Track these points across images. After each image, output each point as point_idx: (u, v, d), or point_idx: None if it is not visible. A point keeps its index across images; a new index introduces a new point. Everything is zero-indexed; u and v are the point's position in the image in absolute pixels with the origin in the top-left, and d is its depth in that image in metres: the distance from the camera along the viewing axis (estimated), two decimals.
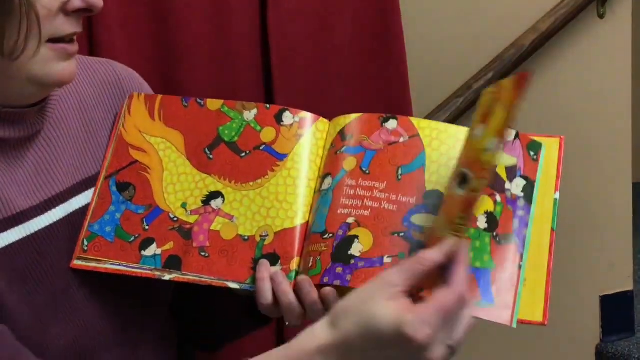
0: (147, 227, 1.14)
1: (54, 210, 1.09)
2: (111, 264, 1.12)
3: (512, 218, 1.05)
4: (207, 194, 1.14)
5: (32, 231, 1.06)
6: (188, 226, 1.13)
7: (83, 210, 1.14)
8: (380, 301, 0.88)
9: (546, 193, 1.08)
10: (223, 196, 1.14)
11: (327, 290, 1.05)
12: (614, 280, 2.60)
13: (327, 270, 1.05)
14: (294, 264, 1.09)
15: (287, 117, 1.15)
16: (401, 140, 1.10)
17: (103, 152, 1.18)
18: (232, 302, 1.21)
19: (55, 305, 1.06)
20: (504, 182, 1.06)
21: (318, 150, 1.14)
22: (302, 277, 1.07)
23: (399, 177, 1.08)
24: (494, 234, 1.03)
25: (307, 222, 1.11)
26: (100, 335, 1.11)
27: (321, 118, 1.16)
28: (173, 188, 1.15)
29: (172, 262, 1.11)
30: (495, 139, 0.90)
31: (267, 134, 1.15)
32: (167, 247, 1.12)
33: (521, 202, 1.06)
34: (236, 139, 1.16)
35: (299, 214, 1.11)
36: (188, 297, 1.26)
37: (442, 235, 0.93)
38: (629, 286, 2.62)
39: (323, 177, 1.12)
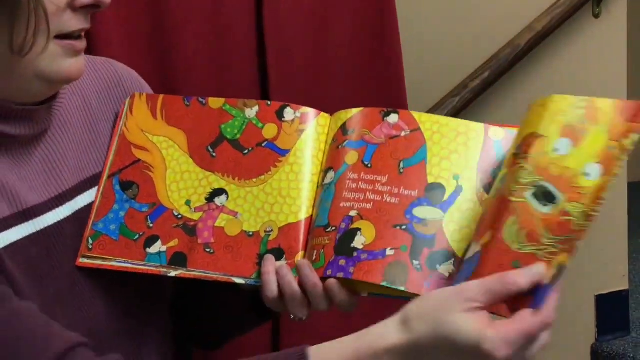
0: (151, 225, 1.14)
1: (60, 208, 1.10)
2: (116, 262, 1.13)
3: None
4: (211, 191, 1.15)
5: (41, 227, 1.07)
6: (192, 223, 1.13)
7: (88, 209, 1.15)
8: (459, 313, 0.88)
9: None
10: (227, 193, 1.14)
11: (331, 281, 1.06)
12: (609, 280, 2.61)
13: (331, 262, 1.06)
14: (299, 258, 1.09)
15: (288, 113, 1.16)
16: (402, 134, 1.11)
17: (106, 151, 1.19)
18: (236, 298, 1.22)
19: (61, 302, 1.07)
20: None
21: (320, 144, 1.15)
22: (302, 260, 1.08)
23: (401, 170, 1.08)
24: None
25: (311, 216, 1.12)
26: (105, 332, 1.11)
27: (322, 113, 1.17)
28: (177, 186, 1.16)
29: (178, 259, 1.12)
30: (595, 165, 0.89)
31: (269, 131, 1.16)
32: (171, 244, 1.13)
33: None
34: (238, 136, 1.16)
35: (302, 209, 1.12)
36: (192, 295, 1.26)
37: (516, 249, 0.91)
38: (624, 285, 2.63)
39: (325, 172, 1.13)
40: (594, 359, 2.58)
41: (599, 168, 0.90)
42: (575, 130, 0.93)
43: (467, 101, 2.38)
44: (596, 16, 2.50)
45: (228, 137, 1.17)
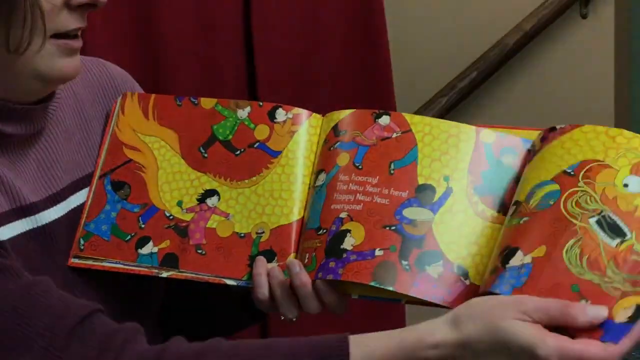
0: (143, 226, 1.14)
1: (54, 208, 1.10)
2: (108, 262, 1.13)
3: None
4: (203, 192, 1.15)
5: (38, 224, 1.07)
6: (184, 224, 1.14)
7: (81, 209, 1.15)
8: (513, 320, 0.89)
9: None
10: (218, 194, 1.14)
11: (319, 282, 1.06)
12: None
13: (321, 265, 1.06)
14: (290, 260, 1.10)
15: (280, 114, 1.16)
16: (394, 135, 1.11)
17: (98, 151, 1.19)
18: (227, 298, 1.22)
19: None
20: None
21: (312, 146, 1.15)
22: (292, 260, 1.08)
23: (392, 171, 1.09)
24: None
25: (303, 218, 1.12)
26: None
27: (314, 114, 1.17)
28: (168, 186, 1.16)
29: (169, 260, 1.12)
30: None
31: (261, 132, 1.16)
32: (163, 245, 1.13)
33: None
34: (230, 137, 1.16)
35: (294, 210, 1.12)
36: (182, 295, 1.26)
37: (577, 272, 0.91)
38: None
39: (317, 173, 1.13)
40: None
41: None
42: None
43: (456, 101, 2.39)
44: (583, 17, 2.52)
45: (220, 137, 1.17)
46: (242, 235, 1.12)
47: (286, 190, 1.13)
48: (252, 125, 1.16)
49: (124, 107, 1.21)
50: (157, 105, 1.20)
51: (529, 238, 0.97)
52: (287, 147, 1.14)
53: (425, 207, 1.06)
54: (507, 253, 0.97)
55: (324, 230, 1.08)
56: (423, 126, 1.10)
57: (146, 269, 1.13)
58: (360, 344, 0.93)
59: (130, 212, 1.15)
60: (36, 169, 1.10)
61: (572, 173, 0.98)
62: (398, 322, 1.91)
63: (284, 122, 1.16)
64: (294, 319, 1.09)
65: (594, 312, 0.89)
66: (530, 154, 1.06)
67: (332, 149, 1.13)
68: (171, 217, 1.14)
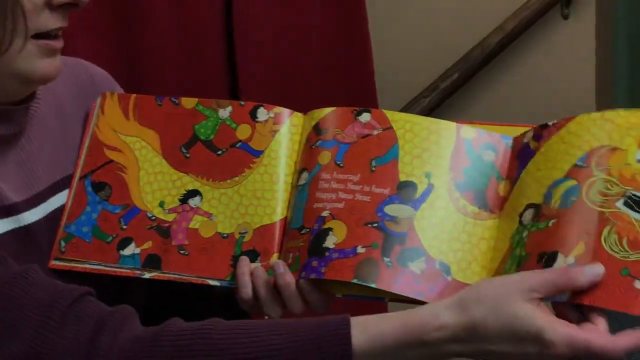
0: (124, 227, 1.13)
1: (35, 209, 1.10)
2: (90, 264, 1.12)
3: None
4: (185, 192, 1.14)
5: (20, 225, 1.06)
6: (166, 225, 1.13)
7: (61, 210, 1.14)
8: (520, 302, 0.89)
9: None
10: (201, 194, 1.14)
11: (303, 281, 1.05)
12: None
13: (304, 265, 1.06)
14: (274, 260, 1.09)
15: (262, 114, 1.16)
16: (375, 132, 1.10)
17: (78, 152, 1.18)
18: (211, 299, 1.21)
19: None
20: None
21: (294, 145, 1.15)
22: (276, 260, 1.08)
23: (373, 168, 1.08)
24: None
25: (286, 217, 1.12)
26: None
27: (296, 112, 1.16)
28: (150, 187, 1.15)
29: (151, 261, 1.12)
30: None
31: (243, 131, 1.15)
32: (145, 246, 1.12)
33: None
34: (212, 137, 1.16)
35: (277, 210, 1.12)
36: (165, 295, 1.26)
37: (622, 257, 0.92)
38: None
39: (299, 172, 1.13)
40: None
41: None
42: None
43: (438, 102, 2.39)
44: (565, 17, 2.52)
45: (202, 137, 1.16)
46: (225, 235, 1.11)
47: (269, 190, 1.12)
48: (233, 125, 1.16)
49: (103, 107, 1.20)
50: (137, 105, 1.19)
51: (564, 239, 0.97)
52: (269, 146, 1.14)
53: (406, 203, 1.05)
54: (547, 259, 0.96)
55: (307, 230, 1.08)
56: (404, 123, 1.10)
57: (128, 271, 1.12)
58: (362, 327, 0.91)
59: (111, 213, 1.14)
60: (16, 169, 1.09)
61: (584, 165, 0.99)
62: None
63: (266, 121, 1.15)
64: (278, 317, 1.09)
65: (591, 271, 0.91)
66: (515, 151, 1.07)
67: (313, 147, 1.12)
68: (153, 218, 1.14)
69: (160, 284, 1.13)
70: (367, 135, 1.10)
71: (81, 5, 1.05)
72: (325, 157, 1.11)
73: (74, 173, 1.17)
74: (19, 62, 1.01)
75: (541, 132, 1.05)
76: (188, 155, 1.16)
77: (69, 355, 0.91)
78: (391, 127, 1.10)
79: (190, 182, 1.14)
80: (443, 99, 2.41)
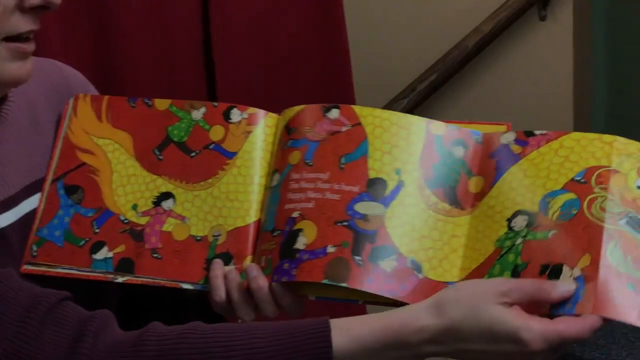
0: (97, 230, 1.12)
1: (7, 213, 1.08)
2: (62, 268, 1.11)
3: None
4: (158, 195, 1.13)
5: None
6: (139, 228, 1.12)
7: (33, 214, 1.13)
8: (495, 305, 0.91)
9: None
10: (174, 197, 1.13)
11: (275, 285, 1.04)
12: None
13: (276, 268, 1.05)
14: (248, 263, 1.08)
15: (235, 115, 1.14)
16: (343, 129, 1.09)
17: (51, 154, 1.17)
18: (185, 302, 1.20)
19: None
20: None
21: (267, 145, 1.13)
22: (250, 264, 1.07)
23: (342, 166, 1.07)
24: None
25: (260, 219, 1.10)
26: None
27: (270, 113, 1.15)
28: (123, 190, 1.14)
29: (124, 265, 1.10)
30: None
31: (216, 133, 1.14)
32: (118, 249, 1.11)
33: None
34: (185, 138, 1.15)
35: (250, 212, 1.10)
36: (139, 301, 1.25)
37: (626, 272, 0.94)
38: None
39: (272, 174, 1.11)
40: None
41: None
42: None
43: (416, 103, 2.40)
44: (542, 19, 2.53)
45: (175, 139, 1.15)
46: (199, 238, 1.10)
47: (242, 192, 1.11)
48: (207, 127, 1.15)
49: (76, 108, 1.18)
50: (110, 106, 1.18)
51: (567, 251, 0.97)
52: (243, 147, 1.12)
53: (377, 201, 1.04)
54: (551, 271, 0.97)
55: (279, 232, 1.07)
56: (373, 118, 1.08)
57: (101, 275, 1.11)
58: (342, 329, 0.92)
59: (84, 217, 1.13)
60: None
61: (582, 180, 1.00)
62: None
63: (239, 122, 1.14)
64: (252, 320, 1.08)
65: (564, 288, 0.93)
66: (488, 148, 1.05)
67: (285, 147, 1.11)
68: (126, 221, 1.12)
69: (135, 287, 1.12)
70: (336, 132, 1.09)
71: (53, 8, 1.04)
72: (295, 157, 1.09)
73: (46, 176, 1.15)
74: None
75: (526, 139, 1.04)
76: (161, 157, 1.14)
77: None
78: (360, 123, 1.08)
79: (163, 185, 1.13)
80: (421, 101, 2.41)
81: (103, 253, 1.11)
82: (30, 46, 1.04)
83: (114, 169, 1.15)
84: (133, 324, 1.25)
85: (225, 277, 1.07)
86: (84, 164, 1.16)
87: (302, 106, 1.13)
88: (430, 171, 1.05)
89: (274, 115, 1.15)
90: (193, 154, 1.14)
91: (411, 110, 2.37)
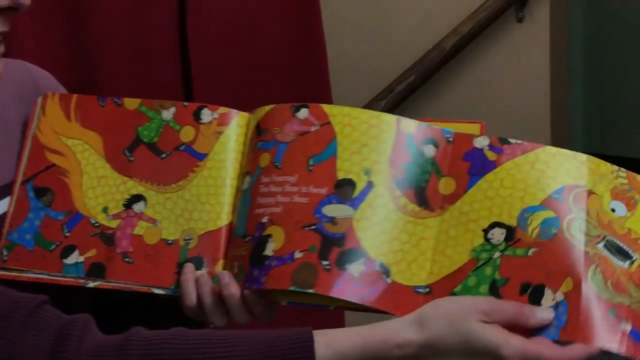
0: (67, 234, 1.10)
1: None
2: (33, 273, 1.09)
3: None
4: (129, 197, 1.11)
5: None
6: (110, 231, 1.10)
7: (3, 218, 1.11)
8: (475, 322, 0.92)
9: None
10: (145, 199, 1.11)
11: (246, 293, 1.03)
12: None
13: (246, 275, 1.03)
14: (219, 267, 1.07)
15: (206, 115, 1.12)
16: (312, 129, 1.06)
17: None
18: (157, 306, 1.19)
19: None
20: None
21: (239, 146, 1.11)
22: (222, 272, 1.05)
23: (310, 167, 1.04)
24: None
25: (232, 222, 1.09)
26: None
27: (241, 113, 1.12)
28: (93, 192, 1.12)
29: (95, 270, 1.09)
30: None
31: (186, 133, 1.12)
32: (89, 254, 1.09)
33: None
34: (156, 139, 1.12)
35: (222, 216, 1.08)
36: (111, 305, 1.23)
37: (607, 298, 0.95)
38: None
39: (244, 176, 1.09)
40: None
41: None
42: (625, 196, 1.00)
43: (394, 105, 2.39)
44: (519, 20, 2.54)
45: (145, 140, 1.13)
46: (170, 242, 1.09)
47: (213, 194, 1.09)
48: (177, 127, 1.12)
49: (45, 108, 1.16)
50: (79, 106, 1.15)
51: (548, 272, 0.97)
52: (214, 149, 1.10)
53: (345, 203, 1.02)
54: (533, 291, 0.97)
55: (249, 238, 1.05)
56: (342, 117, 1.05)
57: (72, 280, 1.09)
58: (325, 340, 0.91)
59: (54, 220, 1.11)
60: None
61: (560, 199, 0.99)
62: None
63: (210, 122, 1.11)
64: (223, 327, 1.06)
65: (542, 314, 0.95)
66: (459, 149, 1.03)
67: (255, 149, 1.09)
68: (97, 224, 1.11)
69: (107, 292, 1.10)
70: (305, 133, 1.06)
71: (22, 9, 1.02)
72: (265, 159, 1.07)
73: (15, 178, 1.13)
74: None
75: (501, 146, 1.02)
76: (132, 158, 1.12)
77: None
78: (329, 122, 1.06)
79: (134, 187, 1.11)
80: (399, 102, 2.41)
81: (74, 257, 1.09)
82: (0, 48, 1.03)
83: (84, 170, 1.13)
84: (105, 328, 1.24)
85: (197, 281, 1.06)
86: (54, 165, 1.13)
87: (271, 106, 1.10)
88: (400, 171, 1.03)
89: (246, 114, 1.12)
90: (164, 155, 1.12)
91: (389, 111, 2.37)
